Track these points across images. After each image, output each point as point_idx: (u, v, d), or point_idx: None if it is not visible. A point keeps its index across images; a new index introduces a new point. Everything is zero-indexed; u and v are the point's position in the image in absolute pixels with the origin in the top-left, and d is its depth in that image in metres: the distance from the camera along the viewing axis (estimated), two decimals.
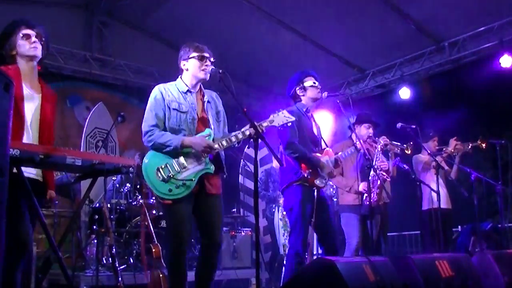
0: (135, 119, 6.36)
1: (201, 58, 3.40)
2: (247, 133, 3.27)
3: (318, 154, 4.05)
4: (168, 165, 3.24)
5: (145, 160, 3.31)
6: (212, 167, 3.31)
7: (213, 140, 3.32)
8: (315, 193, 3.91)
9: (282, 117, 3.42)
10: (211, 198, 3.36)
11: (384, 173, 4.75)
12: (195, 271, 3.41)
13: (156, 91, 3.41)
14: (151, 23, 8.00)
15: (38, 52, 2.98)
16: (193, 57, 3.41)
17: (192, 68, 3.42)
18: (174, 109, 3.35)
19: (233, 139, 3.31)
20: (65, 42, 7.42)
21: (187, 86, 3.44)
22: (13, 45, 2.94)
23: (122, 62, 8.07)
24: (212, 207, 3.36)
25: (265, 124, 3.37)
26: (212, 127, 3.41)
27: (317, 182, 3.91)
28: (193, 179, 3.23)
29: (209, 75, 3.41)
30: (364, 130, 5.03)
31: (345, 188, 4.89)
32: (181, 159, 3.25)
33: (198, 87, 3.49)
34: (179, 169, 3.23)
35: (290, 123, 3.45)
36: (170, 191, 3.20)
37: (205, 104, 3.47)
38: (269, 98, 8.93)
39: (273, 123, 3.40)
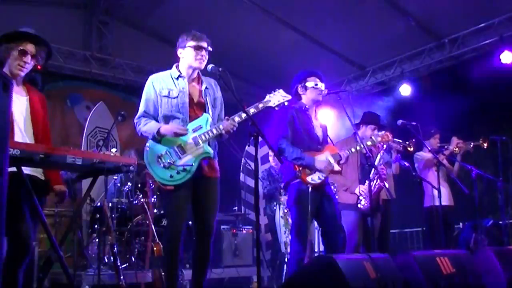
0: None
1: (198, 48, 3.40)
2: (243, 115, 3.27)
3: (315, 153, 3.97)
4: (168, 152, 3.28)
5: (146, 148, 3.35)
6: (211, 151, 3.34)
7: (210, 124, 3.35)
8: (311, 190, 3.83)
9: (278, 96, 3.44)
10: (209, 181, 3.38)
11: (380, 181, 4.65)
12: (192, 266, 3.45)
13: (148, 82, 3.48)
14: (151, 21, 7.99)
15: (21, 73, 2.97)
16: (189, 46, 3.41)
17: (188, 57, 3.43)
18: (164, 96, 3.39)
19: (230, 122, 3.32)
20: (65, 41, 7.41)
21: (179, 72, 3.46)
22: (7, 53, 2.93)
23: (122, 61, 8.06)
24: (209, 192, 3.38)
25: (260, 105, 3.39)
26: (210, 112, 3.42)
27: (308, 179, 3.86)
28: (193, 164, 3.26)
29: (204, 64, 3.42)
30: (369, 131, 4.93)
31: (342, 187, 4.85)
32: (181, 145, 3.28)
33: (195, 74, 3.50)
34: (179, 155, 3.26)
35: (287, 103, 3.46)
36: (171, 177, 3.24)
37: (203, 91, 3.47)
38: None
39: (269, 104, 3.42)
